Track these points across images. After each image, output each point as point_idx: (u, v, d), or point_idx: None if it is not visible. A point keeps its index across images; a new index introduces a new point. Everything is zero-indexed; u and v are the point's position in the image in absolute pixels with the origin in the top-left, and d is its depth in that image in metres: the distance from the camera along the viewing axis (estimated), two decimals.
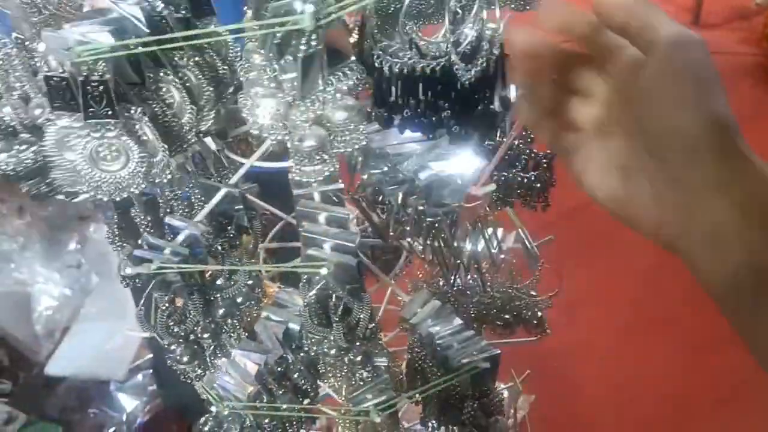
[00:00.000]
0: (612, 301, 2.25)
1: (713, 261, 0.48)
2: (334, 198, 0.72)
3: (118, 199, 0.63)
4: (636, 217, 0.53)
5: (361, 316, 0.70)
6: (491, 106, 0.67)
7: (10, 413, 1.94)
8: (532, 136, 0.86)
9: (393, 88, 0.67)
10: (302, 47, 0.48)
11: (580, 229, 2.32)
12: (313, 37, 0.48)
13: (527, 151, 0.83)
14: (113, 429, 1.95)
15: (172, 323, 0.76)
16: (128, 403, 1.98)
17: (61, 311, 2.14)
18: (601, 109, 0.56)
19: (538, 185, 0.82)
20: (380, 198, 0.78)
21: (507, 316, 1.01)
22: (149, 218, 0.76)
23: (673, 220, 0.50)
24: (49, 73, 0.52)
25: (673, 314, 2.19)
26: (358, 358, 0.73)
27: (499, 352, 0.82)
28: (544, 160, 0.83)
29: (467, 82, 0.59)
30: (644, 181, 0.52)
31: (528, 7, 0.80)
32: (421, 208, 0.72)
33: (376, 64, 0.63)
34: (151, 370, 1.98)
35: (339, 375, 0.76)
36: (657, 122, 0.50)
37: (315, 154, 0.54)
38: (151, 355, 1.99)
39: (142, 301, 0.74)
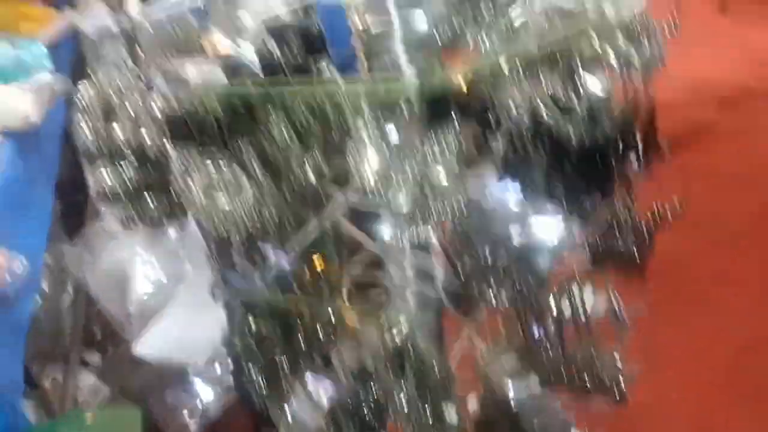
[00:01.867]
0: (704, 365, 2.11)
1: None
2: (423, 246, 0.72)
3: (234, 231, 0.65)
4: None
5: (437, 369, 0.70)
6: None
7: (96, 385, 2.04)
8: (634, 201, 0.82)
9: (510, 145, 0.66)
10: (405, 111, 0.48)
11: (677, 286, 2.20)
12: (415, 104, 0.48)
13: (629, 218, 0.79)
14: (185, 413, 2.01)
15: (253, 345, 0.78)
16: (204, 391, 2.04)
17: (155, 296, 2.23)
18: None
19: (637, 260, 0.78)
20: (467, 249, 0.77)
21: (586, 379, 0.97)
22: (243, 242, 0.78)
23: None
24: (166, 108, 0.55)
25: None
26: (428, 410, 0.72)
27: (573, 422, 0.79)
28: (646, 231, 0.79)
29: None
30: None
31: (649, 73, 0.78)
32: (508, 267, 0.71)
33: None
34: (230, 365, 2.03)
35: (406, 423, 0.76)
36: None
37: (408, 216, 0.54)
38: None
39: (227, 322, 0.76)
